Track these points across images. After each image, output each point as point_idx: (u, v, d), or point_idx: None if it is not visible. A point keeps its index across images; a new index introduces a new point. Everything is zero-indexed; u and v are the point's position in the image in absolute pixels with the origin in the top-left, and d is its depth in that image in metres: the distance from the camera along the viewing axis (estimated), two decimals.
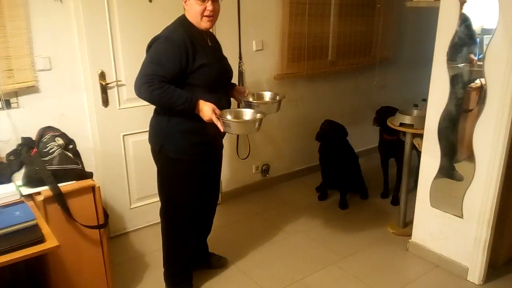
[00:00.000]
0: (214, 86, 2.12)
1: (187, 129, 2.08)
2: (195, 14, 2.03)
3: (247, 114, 2.17)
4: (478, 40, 2.27)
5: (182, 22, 2.07)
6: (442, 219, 2.63)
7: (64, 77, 2.61)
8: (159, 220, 2.38)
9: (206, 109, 2.00)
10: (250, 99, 2.29)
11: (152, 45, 2.02)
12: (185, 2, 2.05)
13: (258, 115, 2.10)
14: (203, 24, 2.05)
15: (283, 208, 3.47)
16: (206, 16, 2.03)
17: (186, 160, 2.14)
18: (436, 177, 2.62)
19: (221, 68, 2.19)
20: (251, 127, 2.12)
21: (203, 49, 2.07)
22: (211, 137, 2.17)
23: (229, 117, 2.07)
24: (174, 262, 2.38)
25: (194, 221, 2.33)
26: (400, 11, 4.22)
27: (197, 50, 2.03)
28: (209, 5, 2.00)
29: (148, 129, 2.23)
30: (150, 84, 1.90)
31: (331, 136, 3.35)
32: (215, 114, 2.00)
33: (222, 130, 2.01)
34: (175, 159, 2.13)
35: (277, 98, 2.32)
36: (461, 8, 2.29)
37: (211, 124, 2.02)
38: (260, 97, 2.37)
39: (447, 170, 2.56)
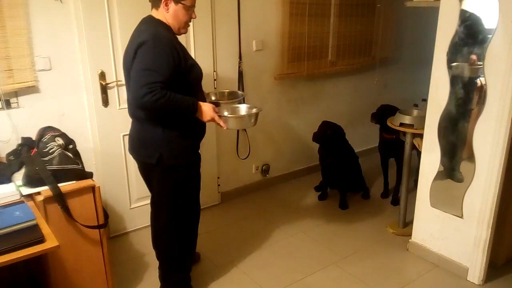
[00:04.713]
0: (200, 85, 2.17)
1: (181, 133, 2.06)
2: (178, 21, 2.02)
3: (243, 109, 2.26)
4: (478, 40, 2.27)
5: (158, 23, 2.00)
6: (442, 219, 2.63)
7: (64, 77, 2.61)
8: None
9: (206, 109, 2.02)
10: (213, 98, 2.36)
11: (138, 51, 1.89)
12: (167, 5, 1.98)
13: (254, 110, 2.18)
14: (183, 30, 2.08)
15: (283, 208, 3.46)
16: (188, 24, 2.08)
17: (184, 164, 2.12)
18: (436, 177, 2.62)
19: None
20: (247, 121, 2.20)
21: (184, 49, 2.06)
22: (200, 139, 2.20)
23: (226, 113, 2.16)
24: (180, 268, 2.34)
25: (195, 223, 2.35)
26: (400, 11, 4.22)
27: (183, 50, 2.02)
28: (193, 14, 2.06)
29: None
30: (153, 94, 1.80)
31: (329, 137, 3.33)
32: (216, 112, 2.04)
33: (225, 127, 2.07)
34: (174, 166, 2.09)
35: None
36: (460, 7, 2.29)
37: (202, 125, 2.09)
38: (222, 95, 2.47)
39: (447, 170, 2.56)
